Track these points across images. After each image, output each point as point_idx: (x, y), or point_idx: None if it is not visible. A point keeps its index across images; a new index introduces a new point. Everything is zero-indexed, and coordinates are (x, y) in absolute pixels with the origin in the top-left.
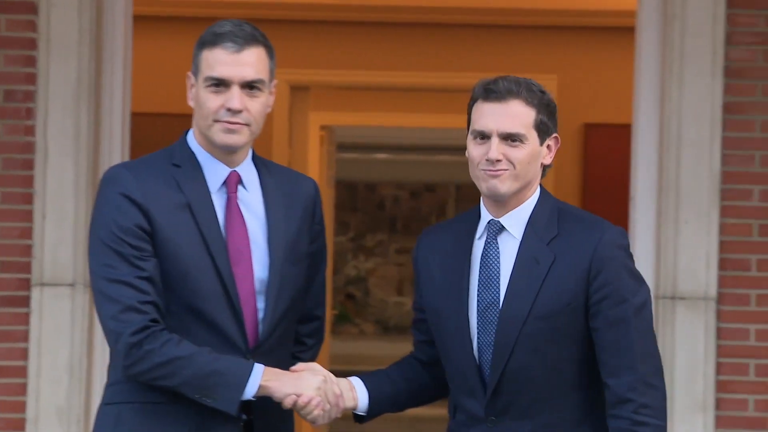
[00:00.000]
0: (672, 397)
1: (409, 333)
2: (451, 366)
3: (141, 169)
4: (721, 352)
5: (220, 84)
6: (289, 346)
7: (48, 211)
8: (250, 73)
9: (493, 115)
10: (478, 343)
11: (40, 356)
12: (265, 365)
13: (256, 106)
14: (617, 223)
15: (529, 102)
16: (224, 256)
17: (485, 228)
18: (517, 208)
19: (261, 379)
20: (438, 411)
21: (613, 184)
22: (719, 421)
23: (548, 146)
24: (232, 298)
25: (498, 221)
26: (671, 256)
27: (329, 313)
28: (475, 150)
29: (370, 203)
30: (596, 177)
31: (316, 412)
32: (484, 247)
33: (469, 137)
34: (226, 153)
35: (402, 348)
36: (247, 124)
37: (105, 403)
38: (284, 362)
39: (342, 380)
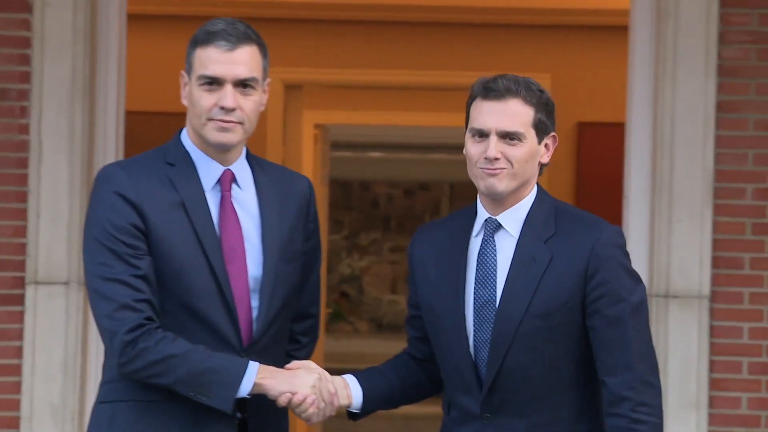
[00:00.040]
0: (665, 395)
1: (403, 331)
2: (446, 363)
3: (135, 168)
4: (714, 350)
5: (214, 82)
6: (283, 344)
7: (42, 209)
8: (243, 72)
9: (491, 114)
10: (474, 340)
11: (35, 354)
12: (259, 363)
13: (250, 104)
14: (611, 222)
15: (528, 101)
16: (218, 254)
17: (482, 226)
18: (514, 206)
19: (256, 376)
20: (431, 409)
21: (606, 183)
22: (712, 419)
23: (546, 145)
24: (227, 297)
25: (495, 219)
26: (665, 254)
27: (323, 312)
28: (473, 148)
29: (364, 202)
30: (590, 176)
31: (310, 411)
32: (481, 245)
33: (468, 135)
34: (219, 151)
35: (396, 346)
36: (240, 123)
37: (100, 402)
38: (279, 360)
39: (336, 378)
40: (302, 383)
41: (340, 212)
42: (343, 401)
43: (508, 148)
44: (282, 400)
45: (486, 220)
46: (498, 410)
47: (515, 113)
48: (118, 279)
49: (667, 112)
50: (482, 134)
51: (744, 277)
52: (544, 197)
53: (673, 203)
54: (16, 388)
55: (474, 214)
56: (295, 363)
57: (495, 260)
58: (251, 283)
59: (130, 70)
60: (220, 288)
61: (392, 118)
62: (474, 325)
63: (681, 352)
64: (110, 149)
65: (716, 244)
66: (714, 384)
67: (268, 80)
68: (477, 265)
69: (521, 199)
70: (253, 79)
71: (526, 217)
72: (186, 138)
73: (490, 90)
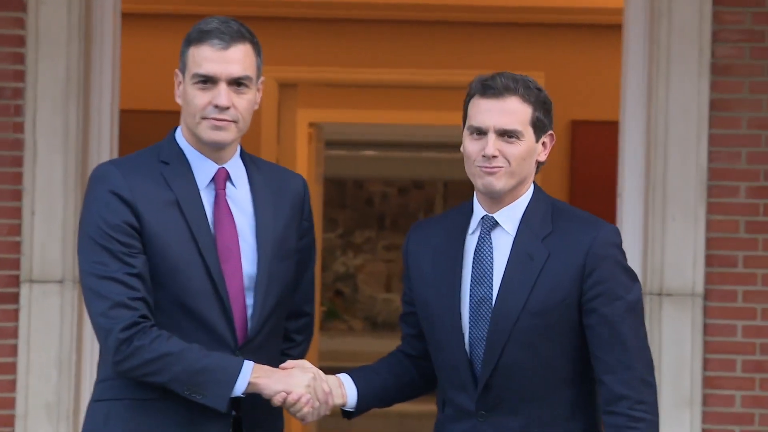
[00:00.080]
0: (659, 393)
1: (397, 329)
2: (441, 360)
3: (129, 167)
4: (708, 348)
5: (207, 81)
6: (278, 343)
7: (37, 207)
8: (236, 70)
9: (490, 112)
10: (470, 337)
11: (30, 353)
12: (254, 362)
13: (243, 102)
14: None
15: (525, 99)
16: (213, 252)
17: (479, 223)
18: (511, 204)
19: (250, 376)
20: (425, 407)
21: (600, 181)
22: (706, 417)
23: (543, 143)
24: (221, 295)
25: (492, 217)
26: (658, 252)
27: (318, 310)
28: (471, 146)
29: (358, 200)
30: (583, 174)
31: (305, 410)
32: (478, 242)
33: (465, 133)
34: (214, 150)
35: (390, 344)
36: (234, 121)
37: (95, 400)
38: (273, 359)
39: (331, 377)
40: (297, 382)
41: (335, 210)
42: (338, 400)
43: (506, 146)
44: (277, 400)
45: (483, 218)
46: (493, 407)
47: (513, 111)
48: (113, 277)
49: (660, 111)
50: (480, 132)
51: (737, 275)
52: (540, 195)
53: (667, 201)
54: (11, 386)
55: (470, 211)
56: (289, 362)
57: (491, 258)
58: (246, 282)
59: (125, 69)
60: (215, 286)
61: (386, 116)
62: (470, 322)
63: (675, 350)
64: (105, 148)
65: (710, 243)
66: (708, 382)
67: (262, 79)
68: (473, 262)
69: (518, 197)
70: (247, 78)
71: (523, 214)
72: (180, 136)
73: (489, 88)
